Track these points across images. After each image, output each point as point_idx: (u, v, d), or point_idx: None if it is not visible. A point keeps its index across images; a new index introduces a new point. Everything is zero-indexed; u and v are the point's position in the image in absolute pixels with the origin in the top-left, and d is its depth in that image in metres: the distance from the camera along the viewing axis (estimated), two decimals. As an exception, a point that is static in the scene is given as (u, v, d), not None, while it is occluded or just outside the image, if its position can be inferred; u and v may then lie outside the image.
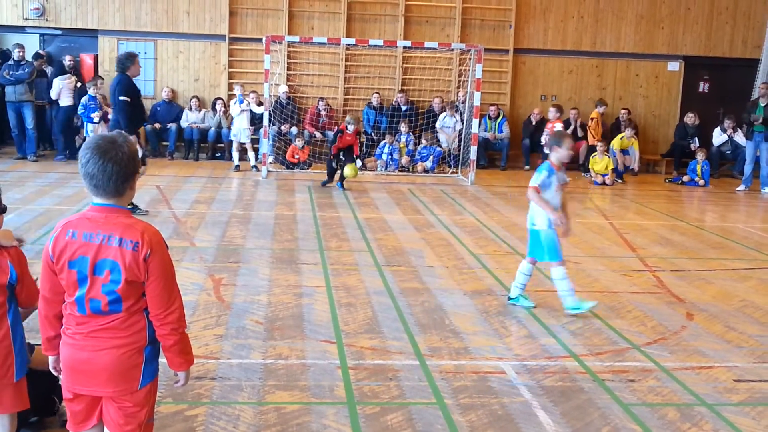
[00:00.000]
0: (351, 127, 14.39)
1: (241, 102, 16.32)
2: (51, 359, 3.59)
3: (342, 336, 6.39)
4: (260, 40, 16.91)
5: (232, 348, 6.01)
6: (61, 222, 3.40)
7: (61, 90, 16.63)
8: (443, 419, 4.95)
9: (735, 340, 6.75)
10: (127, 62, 11.04)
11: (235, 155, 16.60)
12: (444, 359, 5.99)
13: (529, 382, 5.59)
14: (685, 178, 17.03)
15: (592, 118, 17.72)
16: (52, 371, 3.63)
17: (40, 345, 4.34)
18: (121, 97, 10.82)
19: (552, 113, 15.66)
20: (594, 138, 17.43)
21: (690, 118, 18.50)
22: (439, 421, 4.93)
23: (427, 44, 16.67)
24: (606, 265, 9.29)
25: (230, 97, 16.99)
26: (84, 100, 15.42)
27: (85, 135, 15.63)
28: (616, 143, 17.56)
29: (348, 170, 13.91)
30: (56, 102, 16.77)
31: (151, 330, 3.43)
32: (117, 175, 3.27)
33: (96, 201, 3.35)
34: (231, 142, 16.79)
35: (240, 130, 16.39)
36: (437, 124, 17.81)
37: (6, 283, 3.81)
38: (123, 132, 3.25)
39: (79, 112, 15.70)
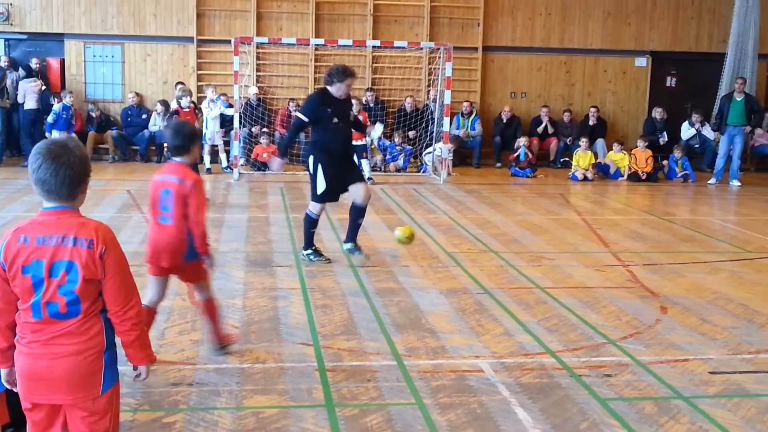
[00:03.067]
0: (355, 108, 14.59)
1: (218, 101, 16.05)
2: (3, 372, 3.47)
3: (319, 338, 6.37)
4: (229, 41, 16.86)
5: (208, 353, 5.95)
6: (9, 229, 3.35)
7: (26, 93, 16.44)
8: (423, 419, 4.94)
9: (709, 332, 6.81)
10: (335, 78, 8.76)
11: (207, 158, 16.47)
12: (422, 359, 5.98)
13: (507, 380, 5.60)
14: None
15: (632, 154, 17.27)
16: (5, 384, 3.53)
17: None
18: (297, 113, 9.07)
19: None
20: (639, 169, 17.04)
21: (658, 113, 18.69)
22: (418, 421, 4.92)
23: (396, 43, 16.70)
24: (579, 261, 9.34)
25: (200, 99, 16.86)
26: (56, 108, 15.25)
27: None
28: (615, 157, 17.43)
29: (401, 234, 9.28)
30: (20, 105, 16.57)
31: (109, 334, 3.41)
32: (70, 180, 3.26)
33: (47, 205, 3.33)
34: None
35: (213, 133, 16.26)
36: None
37: None
38: (73, 136, 3.21)
39: (49, 120, 15.49)
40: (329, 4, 18.48)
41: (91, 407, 3.38)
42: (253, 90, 17.75)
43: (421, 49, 17.92)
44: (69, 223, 3.30)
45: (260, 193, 13.96)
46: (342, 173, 8.87)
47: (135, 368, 3.58)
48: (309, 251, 8.99)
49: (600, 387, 5.51)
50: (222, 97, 16.74)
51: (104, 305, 3.39)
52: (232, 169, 15.65)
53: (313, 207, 8.99)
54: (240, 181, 15.28)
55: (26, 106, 16.49)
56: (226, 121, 16.60)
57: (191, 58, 18.33)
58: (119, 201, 12.57)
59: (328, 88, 8.80)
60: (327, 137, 8.72)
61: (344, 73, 8.70)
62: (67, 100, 15.34)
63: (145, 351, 3.54)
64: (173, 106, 15.71)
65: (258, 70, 18.47)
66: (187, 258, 5.56)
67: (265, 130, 17.33)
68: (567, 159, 18.24)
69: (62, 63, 18.23)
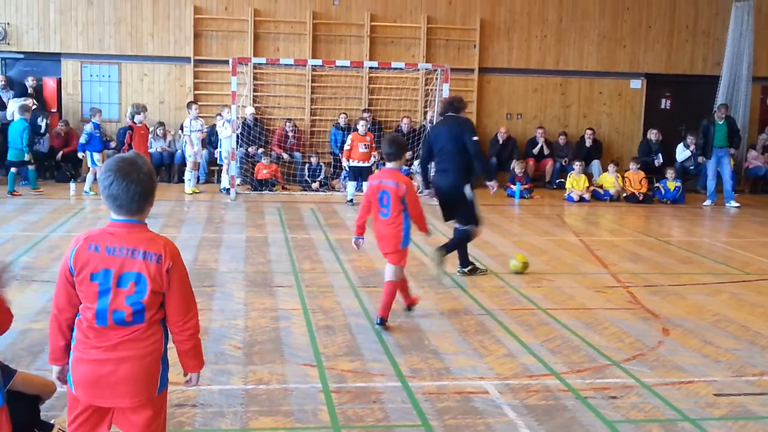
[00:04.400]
0: (362, 128, 15.11)
1: (230, 122, 16.02)
2: (56, 369, 3.65)
3: (322, 359, 6.34)
4: (226, 62, 16.90)
5: (211, 374, 5.92)
6: (80, 236, 3.52)
7: (14, 112, 16.40)
8: (430, 441, 4.91)
9: (712, 354, 6.80)
10: (461, 104, 9.49)
11: (225, 177, 16.38)
12: (426, 380, 5.96)
13: (513, 402, 5.58)
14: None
15: (625, 177, 17.32)
16: (56, 382, 3.72)
17: (17, 370, 4.26)
18: (475, 138, 9.20)
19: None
20: (634, 190, 17.08)
21: (653, 135, 18.76)
22: (425, 443, 4.89)
23: (393, 64, 16.78)
24: (579, 282, 9.34)
25: (206, 119, 16.85)
26: (88, 128, 15.26)
27: (91, 165, 15.43)
28: (604, 181, 17.48)
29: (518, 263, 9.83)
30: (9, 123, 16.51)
31: (165, 340, 3.62)
32: (140, 195, 3.46)
33: (116, 218, 3.52)
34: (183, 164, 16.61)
35: (227, 152, 16.10)
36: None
37: None
38: (140, 153, 3.49)
39: (81, 141, 15.49)
40: (326, 25, 18.54)
41: (149, 408, 3.57)
42: (250, 110, 17.76)
43: (418, 70, 17.97)
44: (138, 237, 3.49)
45: (257, 213, 13.93)
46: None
47: (185, 375, 3.83)
48: (469, 267, 9.46)
49: (606, 409, 5.49)
50: (218, 117, 16.75)
51: (164, 315, 3.57)
52: (228, 189, 15.63)
53: (476, 230, 9.38)
54: (237, 200, 15.26)
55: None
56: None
57: (188, 78, 18.35)
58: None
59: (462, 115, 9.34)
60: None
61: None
62: (96, 118, 15.40)
63: (199, 359, 3.78)
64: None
65: (255, 90, 18.51)
66: (403, 245, 7.17)
67: (261, 150, 17.33)
68: (563, 180, 18.27)
69: (59, 82, 18.22)
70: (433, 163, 9.43)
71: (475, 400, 5.60)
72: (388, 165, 7.26)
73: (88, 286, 3.44)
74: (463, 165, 9.12)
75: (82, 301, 3.49)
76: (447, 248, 9.17)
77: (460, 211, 9.24)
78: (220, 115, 16.57)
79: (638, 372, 6.26)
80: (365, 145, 15.24)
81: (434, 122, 17.02)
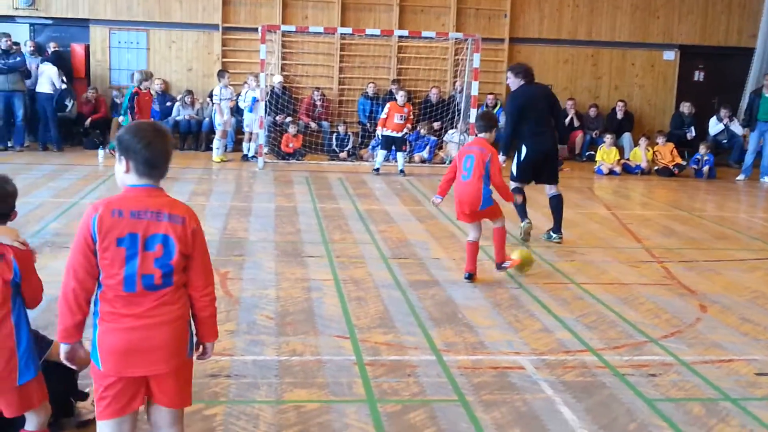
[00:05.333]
0: (401, 98, 15.04)
1: (254, 99, 16.01)
2: (65, 348, 3.55)
3: (355, 331, 6.27)
4: (254, 29, 16.79)
5: (244, 344, 5.87)
6: (97, 203, 3.45)
7: (39, 76, 16.40)
8: (467, 417, 4.83)
9: (751, 332, 6.67)
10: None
11: (246, 146, 16.45)
12: (461, 354, 5.88)
13: (550, 378, 5.49)
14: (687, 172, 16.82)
15: (655, 151, 17.14)
16: (66, 362, 3.61)
17: (53, 340, 4.21)
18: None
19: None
20: (667, 163, 16.88)
21: (686, 107, 18.45)
22: (462, 418, 4.82)
23: (423, 34, 16.56)
24: (613, 257, 9.20)
25: (235, 87, 16.80)
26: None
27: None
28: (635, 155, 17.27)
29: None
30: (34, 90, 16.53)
31: (189, 304, 3.60)
32: (166, 160, 3.52)
33: (136, 182, 3.50)
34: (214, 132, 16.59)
35: (252, 121, 16.13)
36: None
37: (9, 281, 3.66)
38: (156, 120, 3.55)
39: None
40: (356, -8, 18.35)
41: (181, 373, 3.56)
42: (278, 78, 17.63)
43: (448, 39, 17.75)
44: (161, 201, 3.49)
45: (286, 182, 13.86)
46: None
47: (203, 345, 3.74)
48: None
49: (645, 387, 5.39)
50: (245, 85, 16.63)
51: (185, 279, 3.55)
52: (257, 158, 15.57)
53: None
54: (265, 170, 15.19)
55: (38, 89, 16.42)
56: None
57: (216, 45, 18.24)
58: (145, 188, 12.50)
59: None
60: None
61: None
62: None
63: (215, 328, 3.73)
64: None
65: (283, 58, 18.37)
66: (482, 206, 7.64)
67: (289, 119, 17.24)
68: (592, 153, 18.06)
69: (87, 49, 18.17)
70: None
71: (511, 375, 5.52)
72: (481, 135, 7.85)
73: (115, 251, 3.39)
74: (553, 127, 9.91)
75: (105, 270, 3.42)
76: (559, 224, 9.87)
77: (553, 171, 9.98)
78: (246, 83, 16.46)
79: (676, 349, 6.14)
80: (401, 116, 15.08)
81: (462, 92, 16.86)
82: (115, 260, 3.40)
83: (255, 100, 15.88)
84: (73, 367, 3.69)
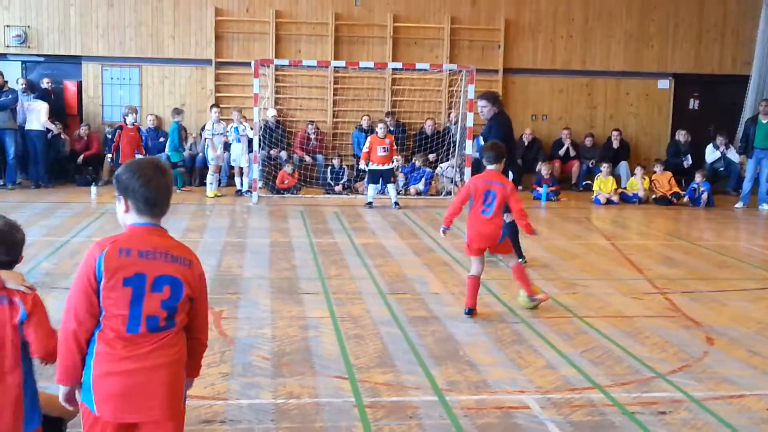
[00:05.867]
0: (381, 131, 14.96)
1: (237, 131, 16.08)
2: (66, 390, 3.45)
3: (354, 371, 6.07)
4: (247, 64, 16.71)
5: (240, 387, 5.67)
6: (103, 241, 3.38)
7: (28, 113, 16.27)
8: (472, 461, 4.64)
9: (761, 365, 6.49)
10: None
11: (238, 180, 16.40)
12: (464, 394, 5.69)
13: (557, 418, 5.30)
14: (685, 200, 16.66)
15: (653, 180, 17.00)
16: (65, 404, 3.48)
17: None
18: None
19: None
20: (665, 192, 16.76)
21: (682, 136, 18.38)
22: (468, 463, 4.63)
23: (418, 65, 16.52)
24: (615, 288, 9.03)
25: (228, 121, 16.73)
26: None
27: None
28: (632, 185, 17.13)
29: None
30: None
31: (186, 347, 3.53)
32: (167, 199, 3.46)
33: (139, 221, 3.43)
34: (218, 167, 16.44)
35: (238, 155, 16.15)
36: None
37: (17, 325, 3.56)
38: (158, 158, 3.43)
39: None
40: (348, 26, 18.30)
41: (175, 418, 3.47)
42: (271, 112, 17.55)
43: (442, 71, 17.69)
44: (168, 242, 3.44)
45: (280, 217, 13.70)
46: None
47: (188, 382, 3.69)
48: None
49: (656, 426, 5.20)
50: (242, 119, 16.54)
51: (186, 321, 3.49)
52: (251, 193, 15.42)
53: None
54: (259, 204, 15.04)
55: (28, 127, 16.29)
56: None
57: (209, 80, 18.16)
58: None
59: None
60: None
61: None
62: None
63: (200, 365, 3.77)
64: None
65: (277, 92, 18.28)
66: (501, 240, 7.69)
67: (284, 153, 17.13)
68: (589, 182, 17.95)
69: (79, 85, 18.08)
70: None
71: (516, 415, 5.32)
72: (490, 167, 7.67)
73: (121, 291, 3.30)
74: None
75: (108, 309, 3.32)
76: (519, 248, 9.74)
77: None
78: (237, 120, 16.38)
79: (686, 385, 5.96)
80: (384, 148, 14.95)
81: (457, 123, 16.77)
82: (120, 300, 3.31)
83: (237, 131, 16.01)
84: (71, 408, 3.55)
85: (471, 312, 7.65)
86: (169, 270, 3.36)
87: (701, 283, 9.42)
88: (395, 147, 15.53)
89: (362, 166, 15.53)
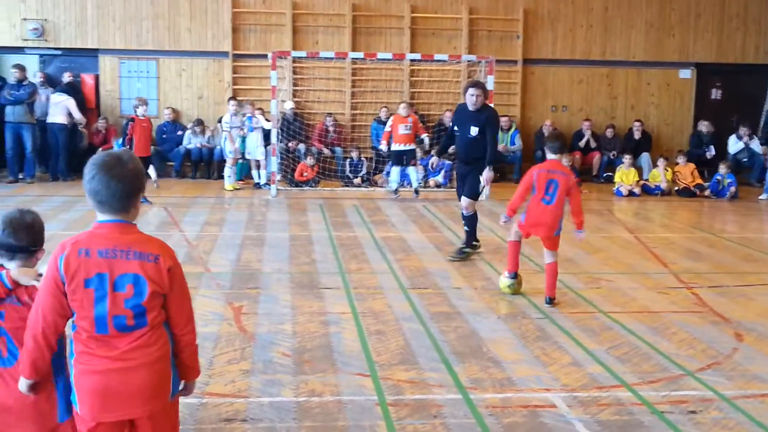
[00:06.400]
0: (404, 110, 14.92)
1: (250, 120, 16.00)
2: (27, 383, 3.41)
3: (376, 368, 5.97)
4: (264, 56, 16.63)
5: (261, 385, 5.58)
6: (66, 241, 3.25)
7: (51, 108, 16.26)
8: (499, 463, 4.53)
9: (792, 362, 6.35)
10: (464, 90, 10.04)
11: (255, 173, 16.33)
12: (488, 392, 5.57)
13: (584, 417, 5.18)
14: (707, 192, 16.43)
15: (675, 171, 16.83)
16: (28, 392, 3.45)
17: None
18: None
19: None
20: (688, 184, 16.57)
21: (705, 126, 18.14)
22: (494, 464, 4.52)
23: (436, 56, 16.37)
24: (640, 283, 8.88)
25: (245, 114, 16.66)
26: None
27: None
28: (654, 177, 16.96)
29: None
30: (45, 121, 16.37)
31: (171, 343, 3.41)
32: (121, 192, 3.25)
33: (102, 218, 3.31)
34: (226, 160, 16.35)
35: (254, 148, 16.09)
36: None
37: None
38: (129, 149, 3.17)
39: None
40: (366, 17, 18.16)
41: (162, 414, 3.37)
42: (289, 105, 17.45)
43: (461, 62, 17.52)
44: (131, 238, 3.29)
45: (299, 210, 13.61)
46: (460, 177, 9.98)
47: (184, 385, 3.57)
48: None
49: (686, 426, 5.07)
50: (258, 111, 16.44)
51: (166, 317, 3.37)
52: (269, 186, 15.34)
53: None
54: (278, 197, 14.95)
55: (50, 120, 16.28)
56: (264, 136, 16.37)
57: (226, 72, 18.07)
58: (157, 218, 12.29)
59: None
60: (455, 143, 9.91)
61: (466, 84, 10.02)
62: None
63: (197, 365, 3.56)
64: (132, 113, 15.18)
65: (294, 84, 18.17)
66: (557, 233, 7.71)
67: (302, 145, 17.05)
68: (610, 174, 17.75)
69: (97, 79, 18.04)
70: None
71: (543, 414, 5.21)
72: (553, 157, 7.73)
73: (84, 293, 3.22)
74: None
75: (77, 311, 3.25)
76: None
77: None
78: (252, 115, 16.28)
79: (716, 383, 5.82)
80: (406, 126, 14.87)
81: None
82: (84, 302, 3.23)
83: (250, 120, 16.00)
84: (30, 394, 3.48)
85: (551, 301, 7.73)
86: (131, 268, 3.23)
87: (727, 277, 9.25)
88: (420, 125, 15.44)
89: (383, 146, 15.41)
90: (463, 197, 9.76)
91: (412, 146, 15.05)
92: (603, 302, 8.00)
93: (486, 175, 9.54)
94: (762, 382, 5.89)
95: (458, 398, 5.44)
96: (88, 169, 3.26)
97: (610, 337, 6.90)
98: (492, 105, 10.35)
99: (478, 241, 10.08)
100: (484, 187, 9.84)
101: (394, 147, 14.98)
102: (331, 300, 7.88)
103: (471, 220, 9.86)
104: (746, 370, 6.13)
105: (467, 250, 9.90)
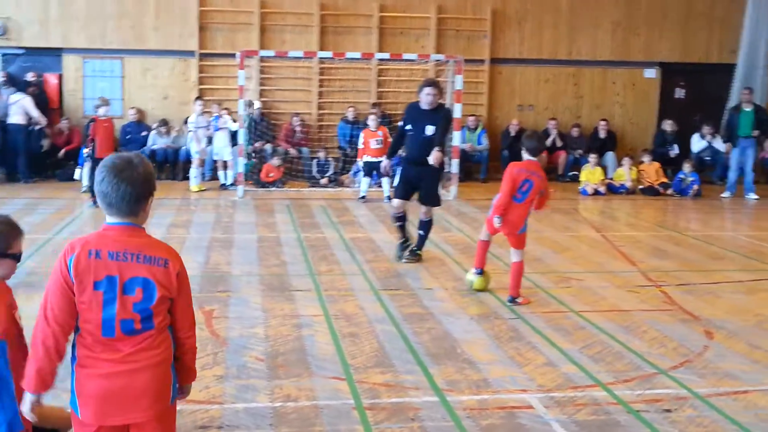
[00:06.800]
0: (373, 124, 14.92)
1: (216, 120, 15.90)
2: (33, 398, 3.28)
3: (351, 371, 5.94)
4: (231, 55, 16.43)
5: (235, 390, 5.52)
6: (75, 242, 3.26)
7: (9, 107, 15.99)
8: (478, 465, 4.52)
9: (763, 359, 6.41)
10: (418, 88, 9.74)
11: (221, 174, 16.20)
12: (465, 394, 5.56)
13: (561, 417, 5.18)
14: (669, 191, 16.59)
15: (640, 170, 16.96)
16: (28, 415, 3.30)
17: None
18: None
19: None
20: (653, 183, 16.68)
21: (669, 125, 18.29)
22: (473, 467, 4.50)
23: (405, 56, 16.33)
24: (609, 281, 8.94)
25: (212, 114, 16.52)
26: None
27: None
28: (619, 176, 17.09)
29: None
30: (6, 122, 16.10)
31: (173, 347, 3.41)
32: (130, 196, 3.23)
33: (111, 220, 3.30)
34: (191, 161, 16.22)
35: (220, 149, 15.99)
36: None
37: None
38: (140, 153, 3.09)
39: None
40: (334, 16, 18.08)
41: (163, 419, 3.36)
42: (256, 104, 17.32)
43: (428, 62, 17.51)
44: (141, 241, 3.28)
45: (267, 211, 13.51)
46: (413, 179, 9.55)
47: (181, 389, 3.57)
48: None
49: (662, 424, 5.10)
50: (224, 111, 16.32)
51: (170, 321, 3.37)
52: (235, 186, 15.22)
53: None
54: (244, 198, 14.84)
55: (10, 121, 16.00)
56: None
57: (193, 72, 17.89)
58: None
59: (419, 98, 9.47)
60: (405, 143, 9.68)
61: (421, 83, 9.62)
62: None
63: (194, 368, 3.59)
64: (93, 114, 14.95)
65: (261, 84, 18.04)
66: (521, 231, 7.81)
67: (269, 146, 16.95)
68: (575, 173, 17.87)
69: (60, 78, 17.77)
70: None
71: (520, 416, 5.21)
72: (531, 158, 7.84)
73: (92, 295, 3.20)
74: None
75: (82, 313, 3.22)
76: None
77: None
78: (218, 115, 16.17)
79: (689, 381, 5.87)
80: (377, 140, 14.85)
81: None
82: (92, 304, 3.20)
83: (216, 119, 15.91)
84: (34, 420, 3.35)
85: (513, 300, 7.82)
86: (141, 271, 3.23)
87: (695, 275, 9.34)
88: (389, 140, 15.38)
89: (359, 162, 15.41)
90: (423, 206, 9.58)
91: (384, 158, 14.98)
92: (574, 301, 8.04)
93: (435, 154, 9.08)
94: (734, 379, 5.95)
95: (435, 401, 5.43)
96: (99, 172, 3.26)
97: (582, 336, 6.92)
98: (445, 104, 10.18)
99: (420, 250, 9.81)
100: (441, 183, 9.82)
101: (366, 158, 14.93)
102: (302, 302, 7.82)
103: (429, 226, 9.76)
104: (718, 368, 6.18)
105: (419, 252, 9.73)
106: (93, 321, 3.21)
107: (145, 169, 3.29)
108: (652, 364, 6.23)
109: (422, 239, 9.78)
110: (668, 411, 5.33)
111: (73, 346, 3.28)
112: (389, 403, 5.38)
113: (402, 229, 9.86)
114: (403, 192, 9.69)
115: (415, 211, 9.89)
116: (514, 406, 5.36)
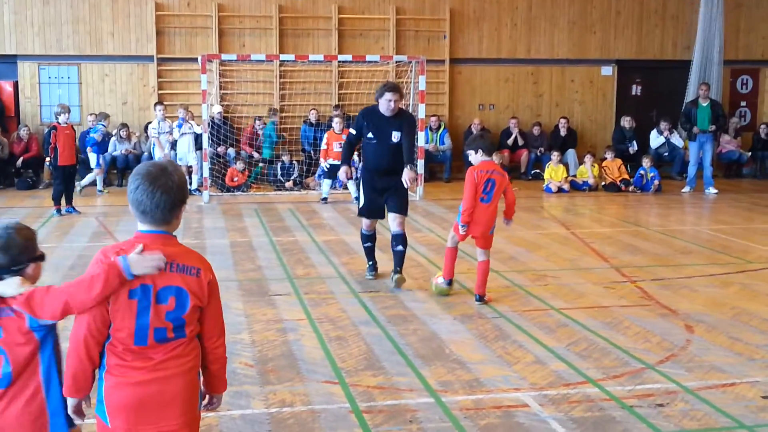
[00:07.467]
0: (337, 126, 14.90)
1: (180, 126, 15.75)
2: (73, 402, 3.27)
3: (343, 374, 5.91)
4: (190, 59, 16.40)
5: (229, 397, 5.43)
6: (108, 249, 3.23)
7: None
8: (483, 466, 4.54)
9: (745, 351, 6.52)
10: (377, 93, 8.72)
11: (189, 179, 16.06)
12: (459, 394, 5.57)
13: (557, 415, 5.22)
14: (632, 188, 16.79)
15: (603, 167, 17.13)
16: (74, 416, 3.30)
17: None
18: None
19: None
20: (615, 179, 16.87)
21: (626, 122, 18.55)
22: (478, 467, 4.52)
23: (368, 58, 16.32)
24: (585, 278, 9.03)
25: (173, 119, 16.34)
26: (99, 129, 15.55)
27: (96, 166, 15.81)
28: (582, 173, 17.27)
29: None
30: None
31: (201, 355, 3.41)
32: (164, 203, 3.22)
33: (144, 228, 3.28)
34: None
35: (184, 154, 15.85)
36: None
37: (28, 330, 3.27)
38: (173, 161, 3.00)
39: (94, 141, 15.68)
40: (292, 19, 18.02)
41: (193, 426, 3.35)
42: (217, 109, 17.16)
43: (389, 63, 17.54)
44: (174, 250, 3.27)
45: (235, 215, 13.41)
46: (381, 190, 8.68)
47: (211, 398, 3.58)
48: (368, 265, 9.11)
49: (656, 419, 5.16)
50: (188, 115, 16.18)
51: (199, 330, 3.37)
52: (200, 192, 15.08)
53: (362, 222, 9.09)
54: (210, 203, 14.72)
55: None
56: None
57: (152, 77, 17.69)
58: (88, 229, 11.96)
59: (377, 103, 8.66)
60: (366, 153, 8.80)
61: (382, 88, 8.61)
62: (105, 121, 15.94)
63: (225, 378, 3.56)
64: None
65: (222, 88, 17.91)
66: (492, 231, 7.90)
67: (232, 150, 16.83)
68: (538, 171, 18.05)
69: (16, 86, 17.45)
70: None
71: (517, 414, 5.23)
72: (487, 158, 7.87)
73: (126, 304, 3.17)
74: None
75: (115, 322, 3.18)
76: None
77: None
78: (183, 118, 16.01)
79: (677, 375, 5.95)
80: (341, 144, 14.77)
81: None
82: (126, 313, 3.18)
83: (180, 126, 15.86)
84: (80, 422, 3.36)
85: (481, 299, 7.88)
86: (174, 280, 3.21)
87: (667, 270, 9.47)
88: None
89: (323, 164, 15.35)
90: (395, 215, 8.63)
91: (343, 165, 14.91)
92: (553, 299, 8.10)
93: (409, 174, 8.27)
94: (720, 372, 6.05)
95: (430, 402, 5.43)
96: (132, 179, 3.25)
97: (567, 333, 6.98)
98: (406, 108, 9.67)
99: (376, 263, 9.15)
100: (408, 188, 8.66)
101: (330, 161, 14.88)
102: (284, 306, 7.78)
103: (405, 239, 8.75)
104: (703, 361, 6.28)
105: (400, 270, 8.72)
106: (126, 329, 3.18)
107: (179, 177, 3.29)
108: (638, 359, 6.31)
109: (402, 255, 8.71)
110: (661, 405, 5.40)
111: (102, 355, 3.24)
112: (385, 405, 5.37)
113: (371, 251, 9.04)
114: (375, 209, 8.83)
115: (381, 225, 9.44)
116: (510, 405, 5.39)
